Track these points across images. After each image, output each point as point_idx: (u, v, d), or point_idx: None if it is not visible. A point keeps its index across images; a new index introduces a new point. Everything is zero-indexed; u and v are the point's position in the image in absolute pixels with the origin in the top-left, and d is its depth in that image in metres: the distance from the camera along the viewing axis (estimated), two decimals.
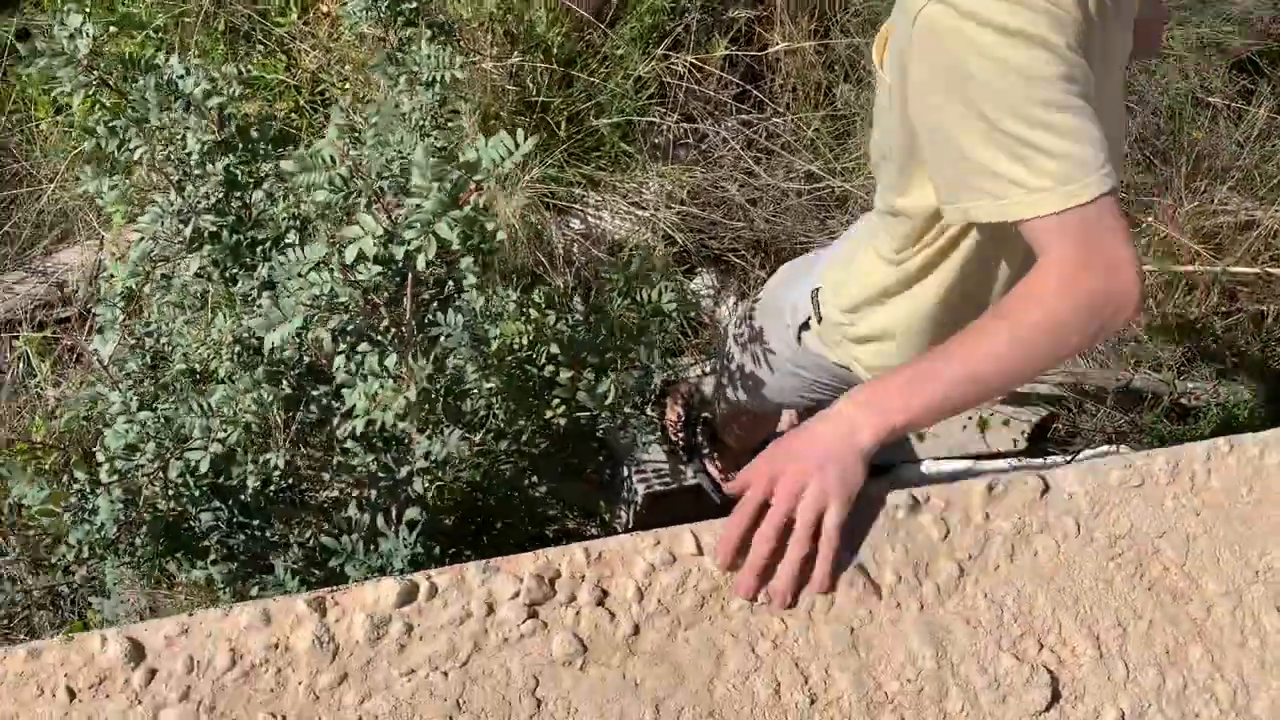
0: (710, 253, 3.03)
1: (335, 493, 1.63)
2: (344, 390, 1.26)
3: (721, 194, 3.00)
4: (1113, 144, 1.09)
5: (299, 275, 1.17)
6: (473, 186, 1.19)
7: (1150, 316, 2.86)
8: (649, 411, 1.80)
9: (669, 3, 2.96)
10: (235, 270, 1.64)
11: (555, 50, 2.91)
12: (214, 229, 1.62)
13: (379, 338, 1.27)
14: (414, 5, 1.77)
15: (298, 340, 1.30)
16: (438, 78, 1.59)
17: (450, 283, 1.25)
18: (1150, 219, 2.93)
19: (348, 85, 2.98)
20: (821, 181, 2.96)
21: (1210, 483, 1.12)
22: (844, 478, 0.99)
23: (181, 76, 1.42)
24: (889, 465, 2.61)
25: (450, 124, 1.65)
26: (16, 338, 2.64)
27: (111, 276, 1.81)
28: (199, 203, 1.61)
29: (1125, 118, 1.81)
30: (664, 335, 1.75)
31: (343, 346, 1.30)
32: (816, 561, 0.99)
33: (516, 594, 0.99)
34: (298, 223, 1.67)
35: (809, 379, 1.71)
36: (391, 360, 1.21)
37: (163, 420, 1.39)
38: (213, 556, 1.72)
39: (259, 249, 1.62)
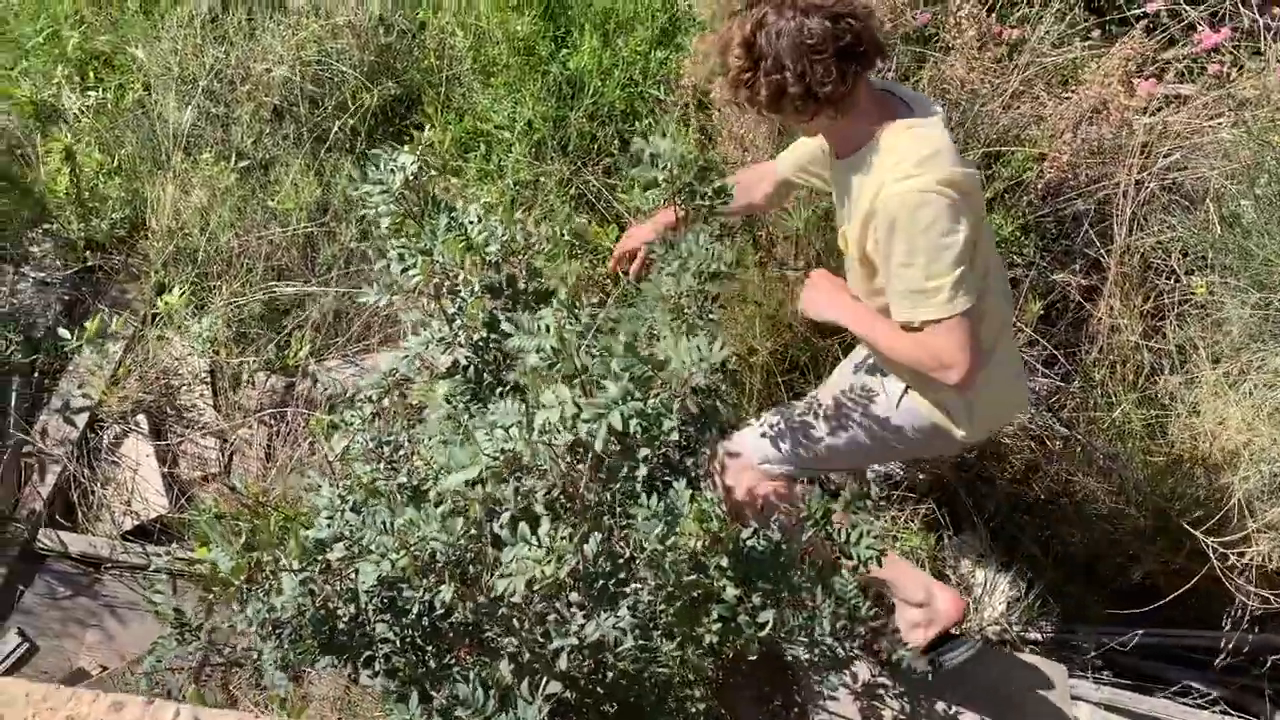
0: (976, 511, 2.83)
1: (491, 641, 1.62)
2: (503, 549, 1.26)
3: (997, 451, 2.81)
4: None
5: (493, 428, 1.20)
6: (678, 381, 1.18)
7: None
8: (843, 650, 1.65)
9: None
10: (473, 404, 1.72)
11: None
12: (467, 363, 1.72)
13: (551, 506, 1.27)
14: (708, 203, 1.85)
15: (478, 488, 1.33)
16: (707, 269, 1.63)
17: (627, 467, 1.23)
18: None
19: None
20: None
21: None
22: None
23: (471, 222, 1.55)
24: None
25: (711, 316, 1.68)
26: (308, 416, 2.94)
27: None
28: (461, 336, 1.72)
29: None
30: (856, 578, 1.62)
31: (512, 506, 1.31)
32: None
33: None
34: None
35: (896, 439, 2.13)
36: (549, 530, 1.20)
37: (361, 523, 1.45)
38: (376, 668, 1.76)
39: (498, 390, 1.69)
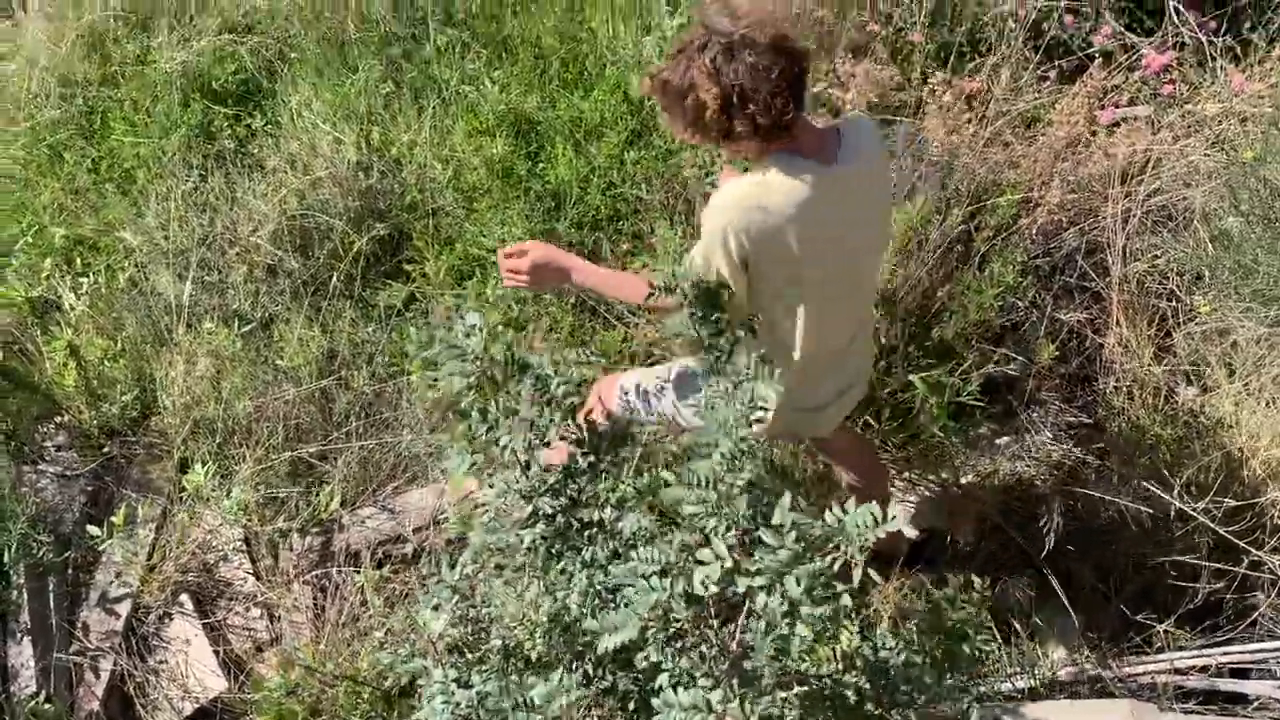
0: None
1: None
2: (656, 707, 1.26)
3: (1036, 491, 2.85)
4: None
5: (642, 578, 1.21)
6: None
7: None
8: None
9: (996, 301, 2.94)
10: (561, 548, 1.73)
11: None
12: (550, 511, 1.74)
13: (701, 660, 1.28)
14: (724, 318, 1.90)
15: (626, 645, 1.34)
16: (756, 394, 1.66)
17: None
18: None
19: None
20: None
21: None
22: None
23: (549, 376, 1.58)
24: None
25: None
26: (358, 570, 2.92)
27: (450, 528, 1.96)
28: (540, 485, 1.74)
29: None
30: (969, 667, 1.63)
31: (665, 661, 1.31)
32: None
33: None
34: (620, 503, 1.76)
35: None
36: (705, 693, 1.20)
37: (478, 701, 1.45)
38: None
39: (586, 532, 1.70)
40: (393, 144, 3.77)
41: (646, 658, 1.43)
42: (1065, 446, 2.93)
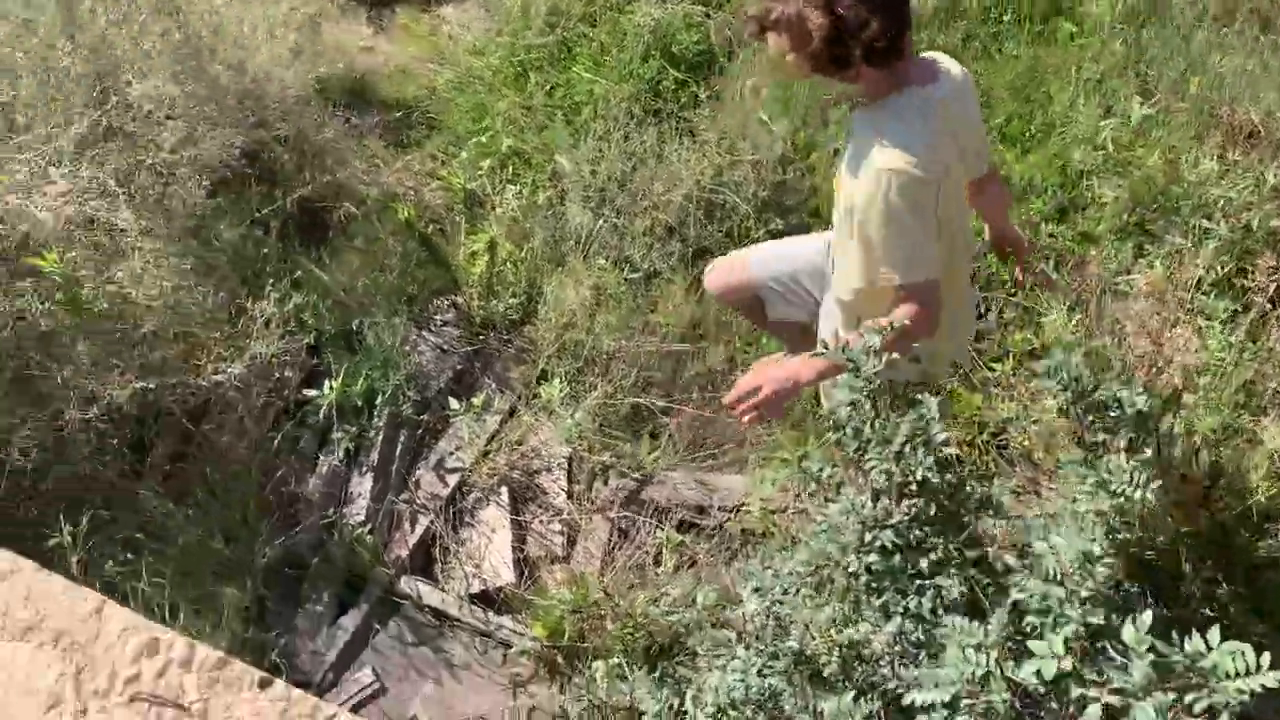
0: None
1: None
2: None
3: None
4: None
5: (961, 648, 1.20)
6: None
7: None
8: None
9: None
10: (887, 586, 1.72)
11: None
12: (889, 546, 1.73)
13: None
14: (1115, 415, 1.79)
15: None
16: (1127, 494, 1.57)
17: None
18: None
19: (1030, 443, 3.04)
20: None
21: None
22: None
23: (932, 419, 1.57)
24: None
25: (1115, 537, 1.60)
26: (659, 527, 3.05)
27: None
28: (885, 518, 1.74)
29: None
30: None
31: None
32: None
33: None
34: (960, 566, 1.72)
35: None
36: None
37: (769, 693, 1.48)
38: None
39: (916, 581, 1.68)
40: (815, 148, 3.85)
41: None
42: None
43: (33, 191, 2.87)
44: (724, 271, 2.79)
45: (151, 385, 2.83)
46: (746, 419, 2.21)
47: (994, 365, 3.27)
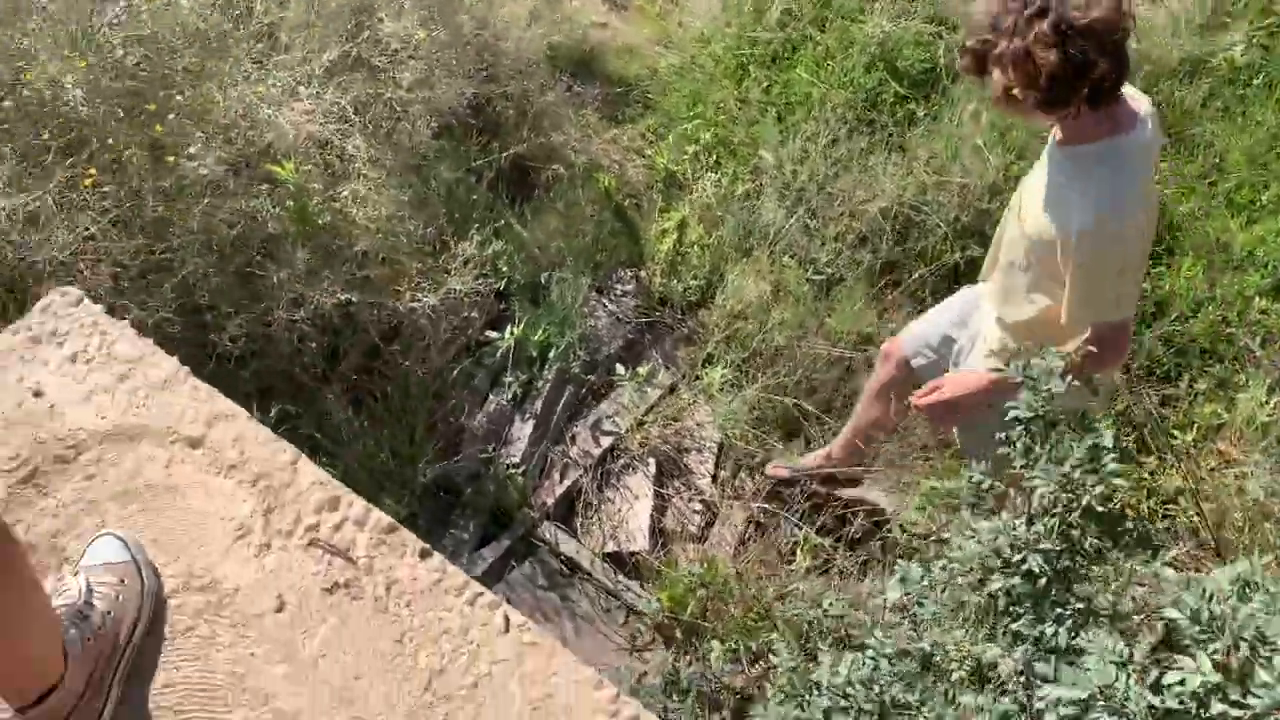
0: None
1: None
2: None
3: None
4: None
5: (1102, 660, 1.19)
6: None
7: None
8: None
9: None
10: (1025, 610, 1.71)
11: None
12: (1036, 571, 1.72)
13: None
14: None
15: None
16: None
17: None
18: None
19: (1198, 520, 2.91)
20: None
21: None
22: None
23: (1105, 449, 1.55)
24: None
25: None
26: (799, 526, 3.07)
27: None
28: (1035, 542, 1.72)
29: None
30: None
31: None
32: None
33: None
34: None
35: None
36: None
37: (893, 679, 1.50)
38: None
39: (1057, 609, 1.66)
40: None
41: None
42: None
43: (282, 105, 3.14)
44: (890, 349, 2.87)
45: (354, 299, 3.05)
46: (925, 408, 2.36)
47: (1176, 432, 3.13)
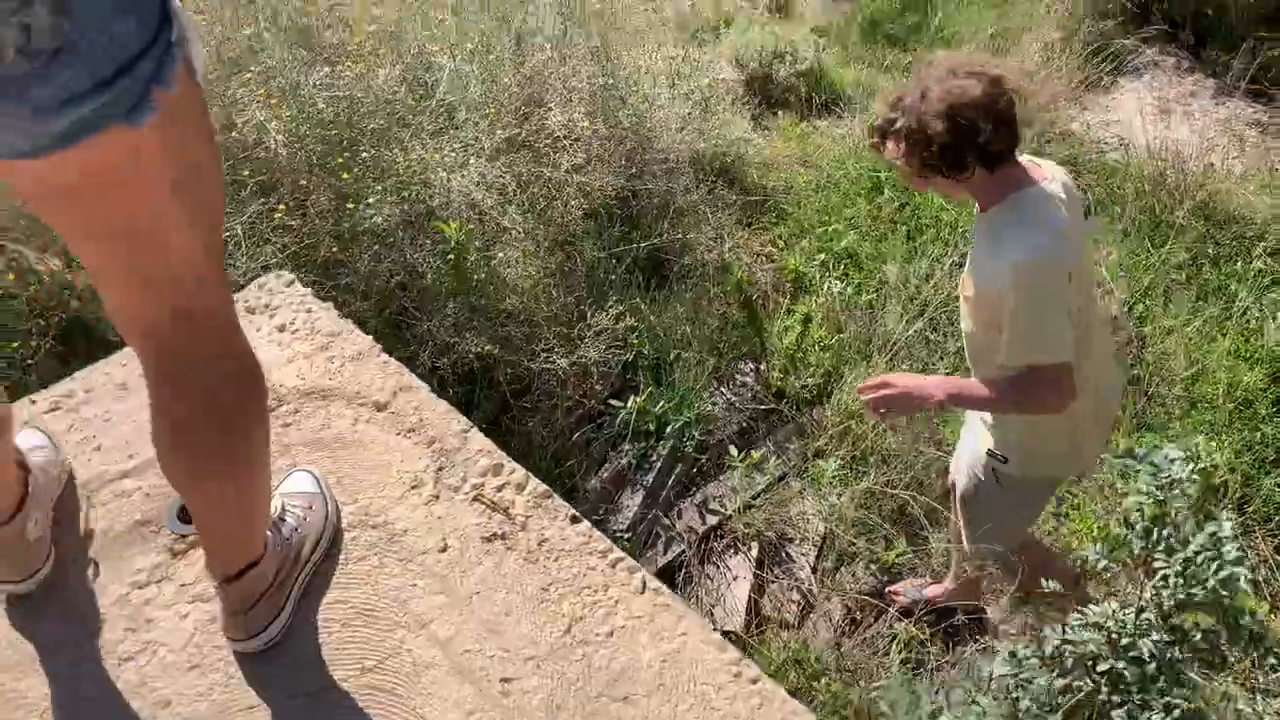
0: None
1: None
2: None
3: None
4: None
5: None
6: None
7: None
8: None
9: None
10: (1122, 701, 1.74)
11: None
12: (1144, 657, 1.75)
13: None
14: None
15: None
16: None
17: None
18: None
19: None
20: None
21: None
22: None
23: (1224, 539, 1.61)
24: None
25: None
26: (897, 621, 3.09)
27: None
28: (1146, 629, 1.76)
29: None
30: None
31: None
32: None
33: None
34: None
35: None
36: None
37: None
38: None
39: (1155, 686, 1.69)
40: (1148, 320, 3.82)
41: None
42: None
43: (454, 172, 3.44)
44: None
45: (495, 352, 3.27)
46: (871, 404, 2.42)
47: None
